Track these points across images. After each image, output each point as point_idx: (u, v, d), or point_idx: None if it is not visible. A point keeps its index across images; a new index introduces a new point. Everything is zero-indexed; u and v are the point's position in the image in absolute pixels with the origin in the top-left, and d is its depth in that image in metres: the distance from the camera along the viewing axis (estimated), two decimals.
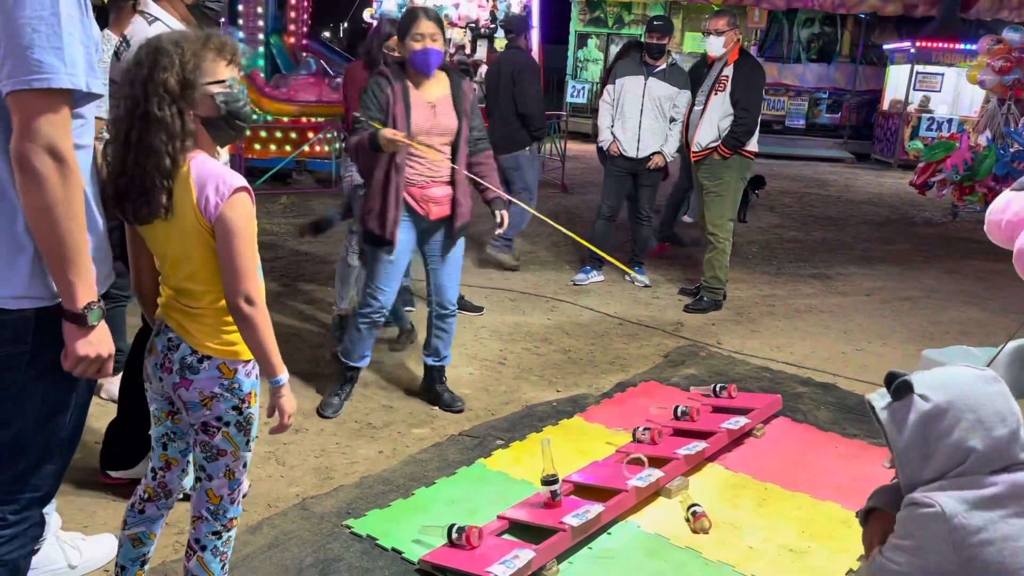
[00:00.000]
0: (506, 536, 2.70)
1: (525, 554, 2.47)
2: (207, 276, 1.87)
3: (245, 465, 2.02)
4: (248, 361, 1.95)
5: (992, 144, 8.27)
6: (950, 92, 15.28)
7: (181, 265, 1.88)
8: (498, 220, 3.72)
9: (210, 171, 1.82)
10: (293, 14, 9.81)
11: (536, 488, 2.91)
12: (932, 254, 7.83)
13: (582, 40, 17.70)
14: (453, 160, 3.53)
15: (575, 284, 5.95)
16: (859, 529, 2.85)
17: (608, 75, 6.04)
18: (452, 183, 3.55)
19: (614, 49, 17.24)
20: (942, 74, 15.29)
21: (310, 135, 8.76)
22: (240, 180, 1.83)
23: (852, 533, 2.85)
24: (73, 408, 1.78)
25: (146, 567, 2.16)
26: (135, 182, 1.79)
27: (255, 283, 1.84)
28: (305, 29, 10.02)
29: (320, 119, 8.81)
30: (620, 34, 17.32)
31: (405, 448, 3.36)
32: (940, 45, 15.01)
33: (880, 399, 1.81)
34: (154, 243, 1.92)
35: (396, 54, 4.47)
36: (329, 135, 8.79)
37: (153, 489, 2.10)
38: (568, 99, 17.11)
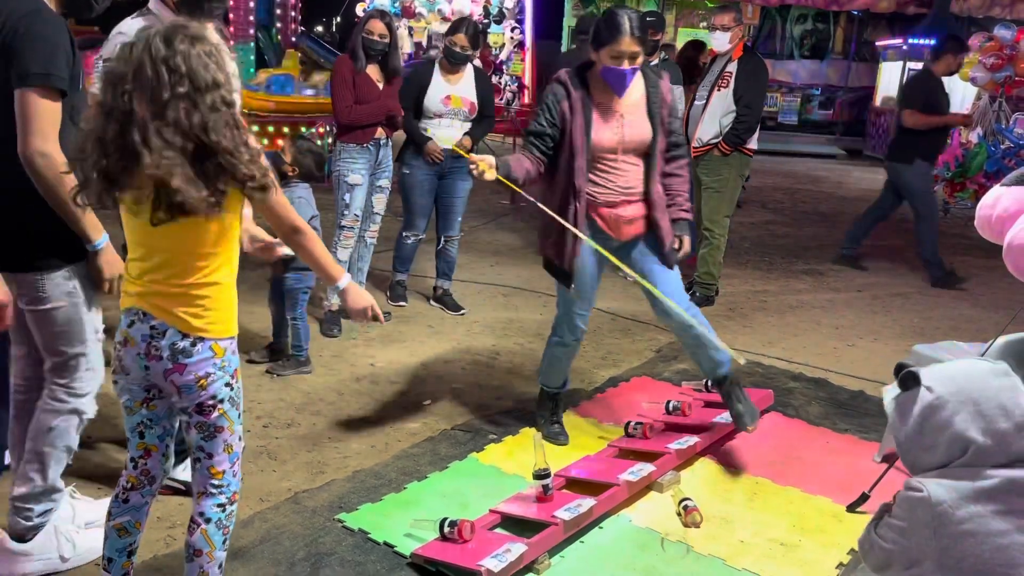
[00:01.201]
0: (498, 530, 2.71)
1: (517, 548, 2.47)
2: (211, 242, 1.88)
3: (240, 438, 2.06)
4: (232, 338, 1.99)
5: (983, 141, 8.31)
6: None
7: (184, 242, 1.87)
8: (677, 246, 3.22)
9: None
10: (280, 11, 9.74)
11: (528, 482, 2.91)
12: None
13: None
14: (648, 176, 3.12)
15: None
16: (850, 523, 2.88)
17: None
18: (646, 201, 3.14)
19: None
20: None
21: (302, 129, 8.73)
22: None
23: (843, 527, 2.87)
24: None
25: (133, 558, 2.14)
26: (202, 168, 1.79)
27: (295, 212, 2.04)
28: (294, 25, 9.94)
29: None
30: None
31: (397, 442, 3.36)
32: (932, 42, 15.04)
33: (891, 391, 1.82)
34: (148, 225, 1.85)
35: (377, 38, 4.42)
36: (321, 130, 8.76)
37: (136, 478, 2.09)
38: None
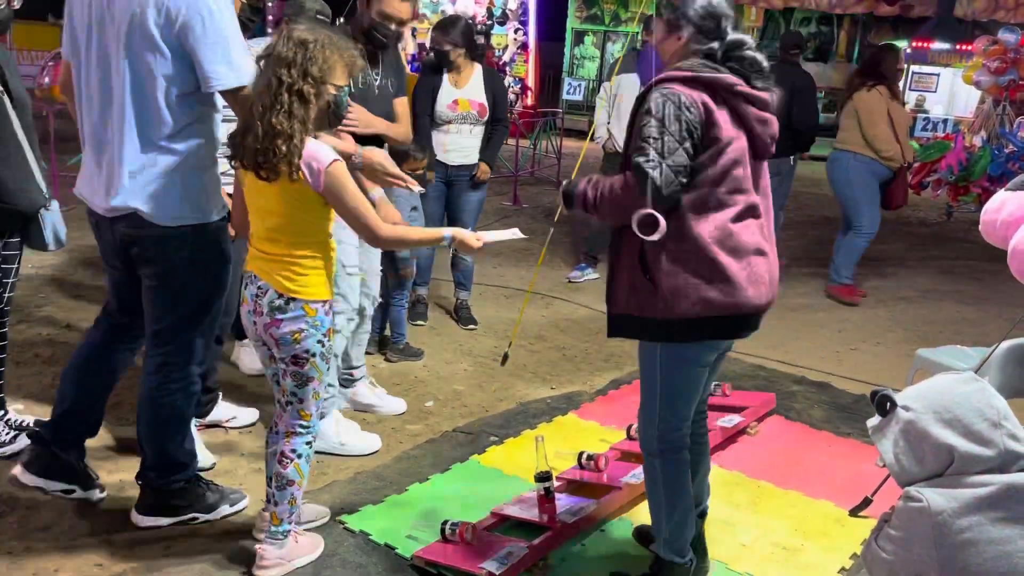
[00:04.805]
0: (499, 532, 2.70)
1: (518, 550, 2.47)
2: (294, 228, 2.25)
3: (326, 387, 2.46)
4: (325, 301, 2.32)
5: (987, 145, 8.29)
6: (945, 92, 15.32)
7: (274, 219, 2.24)
8: None
9: (308, 150, 2.17)
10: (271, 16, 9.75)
11: (530, 485, 2.90)
12: (927, 254, 7.84)
13: (579, 37, 17.67)
14: None
15: (570, 281, 5.95)
16: (852, 527, 2.87)
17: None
18: None
19: (611, 47, 17.25)
20: (938, 74, 15.33)
21: None
22: (332, 154, 2.19)
23: (845, 531, 2.87)
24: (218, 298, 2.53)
25: None
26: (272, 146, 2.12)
27: (376, 221, 2.27)
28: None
29: None
30: (617, 31, 17.31)
31: (399, 444, 3.35)
32: (936, 46, 15.04)
33: (874, 421, 1.88)
34: (255, 197, 2.26)
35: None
36: None
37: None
38: (564, 96, 17.10)
